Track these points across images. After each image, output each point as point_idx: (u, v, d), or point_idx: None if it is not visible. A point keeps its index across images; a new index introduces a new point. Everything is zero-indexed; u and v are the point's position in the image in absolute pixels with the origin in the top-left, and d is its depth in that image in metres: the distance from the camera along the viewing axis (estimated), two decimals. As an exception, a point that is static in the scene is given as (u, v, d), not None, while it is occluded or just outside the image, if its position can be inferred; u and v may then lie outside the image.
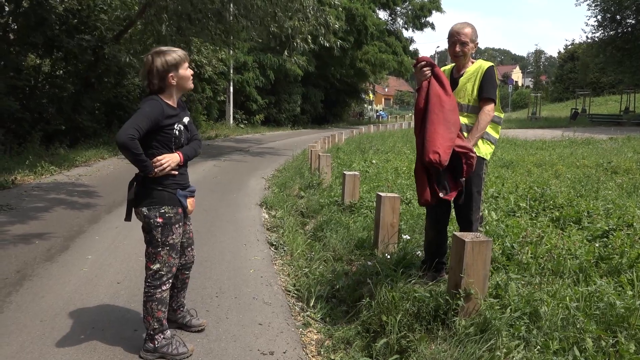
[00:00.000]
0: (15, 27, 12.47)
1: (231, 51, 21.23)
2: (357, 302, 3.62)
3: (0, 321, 3.37)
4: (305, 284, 4.14)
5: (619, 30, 33.70)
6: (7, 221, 6.00)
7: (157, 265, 2.91)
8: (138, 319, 3.42)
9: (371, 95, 51.90)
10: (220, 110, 26.27)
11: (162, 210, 2.86)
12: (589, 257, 3.78)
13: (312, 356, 3.13)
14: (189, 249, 3.21)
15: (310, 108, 33.40)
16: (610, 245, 4.10)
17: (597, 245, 4.16)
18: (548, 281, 3.38)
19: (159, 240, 2.88)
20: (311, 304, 3.86)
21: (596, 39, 35.51)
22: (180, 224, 2.96)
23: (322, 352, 3.16)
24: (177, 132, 2.88)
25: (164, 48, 2.88)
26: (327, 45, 14.39)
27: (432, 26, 37.21)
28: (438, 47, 61.87)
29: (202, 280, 4.19)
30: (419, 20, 36.25)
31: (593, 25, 36.14)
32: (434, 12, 36.24)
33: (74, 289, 3.97)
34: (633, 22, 33.15)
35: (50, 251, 4.93)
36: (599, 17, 34.24)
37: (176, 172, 2.90)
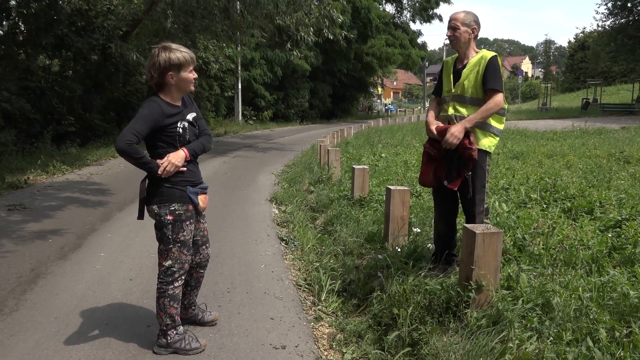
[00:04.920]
0: (24, 28, 12.57)
1: (239, 47, 21.27)
2: (368, 295, 3.62)
3: (16, 319, 3.42)
4: (316, 278, 4.14)
5: (630, 18, 33.19)
6: (21, 220, 6.07)
7: (169, 262, 2.92)
8: (151, 315, 3.45)
9: (379, 89, 51.71)
10: (228, 107, 26.34)
11: (172, 208, 2.86)
12: (601, 247, 3.74)
13: (324, 350, 3.13)
14: (204, 247, 3.21)
15: (318, 103, 33.36)
16: (623, 235, 4.06)
17: (609, 235, 4.11)
18: (560, 272, 3.36)
19: (170, 237, 2.89)
20: (322, 298, 3.87)
21: (607, 27, 35.01)
22: (192, 220, 2.96)
23: (334, 346, 3.17)
24: (180, 130, 2.85)
25: (172, 45, 2.82)
26: (332, 38, 14.37)
27: (440, 18, 36.92)
28: (446, 38, 61.21)
29: (214, 276, 4.21)
30: (426, 12, 35.95)
31: (603, 13, 35.69)
32: (441, 3, 35.94)
33: (87, 286, 4.01)
34: (644, 9, 32.66)
35: (64, 249, 4.98)
36: (609, 4, 33.77)
37: (184, 169, 2.89)
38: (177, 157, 2.82)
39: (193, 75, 2.88)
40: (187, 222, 2.92)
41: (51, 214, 6.44)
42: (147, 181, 2.90)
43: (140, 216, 2.97)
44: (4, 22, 12.17)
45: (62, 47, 13.28)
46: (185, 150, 2.87)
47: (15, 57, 12.22)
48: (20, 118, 11.65)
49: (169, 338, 2.96)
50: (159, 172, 2.79)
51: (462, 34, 3.46)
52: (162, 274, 2.95)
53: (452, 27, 3.50)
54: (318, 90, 32.65)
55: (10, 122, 11.39)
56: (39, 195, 7.63)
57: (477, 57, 3.47)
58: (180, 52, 2.80)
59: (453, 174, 3.44)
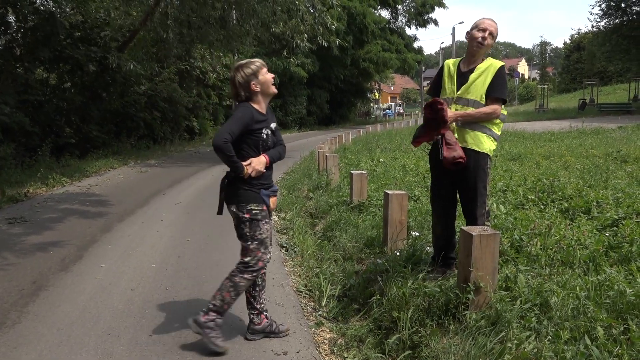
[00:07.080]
0: (22, 42, 12.64)
1: (235, 56, 21.35)
2: (368, 299, 3.64)
3: (19, 331, 3.44)
4: (316, 284, 4.17)
5: (625, 18, 33.38)
6: (21, 233, 6.09)
7: (248, 258, 3.12)
8: (153, 324, 3.48)
9: (377, 94, 51.89)
10: (226, 116, 26.39)
11: (249, 208, 3.08)
12: (598, 246, 3.76)
13: (326, 355, 3.15)
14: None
15: (316, 110, 33.47)
16: (620, 234, 4.09)
17: (606, 234, 4.14)
18: (558, 272, 3.39)
19: (248, 234, 3.10)
20: (323, 303, 3.89)
21: (601, 27, 35.20)
22: (267, 220, 3.17)
23: (335, 351, 3.19)
24: (264, 136, 3.08)
25: (242, 62, 3.10)
26: (326, 44, 14.48)
27: (435, 22, 37.19)
28: (442, 42, 61.58)
29: (215, 284, 4.19)
30: (421, 17, 36.19)
31: (597, 14, 35.84)
32: (436, 7, 36.17)
33: (88, 297, 4.03)
34: (638, 9, 32.82)
35: (65, 261, 5.00)
36: (603, 5, 33.97)
37: (264, 170, 3.09)
38: (259, 163, 3.07)
39: (270, 75, 3.13)
40: (263, 222, 3.14)
41: (52, 226, 6.46)
42: (226, 181, 3.12)
43: (220, 212, 3.22)
44: (1, 37, 12.24)
45: (60, 59, 13.35)
46: (267, 156, 3.11)
47: (13, 71, 12.28)
48: (19, 131, 11.70)
49: (206, 319, 3.06)
50: (243, 174, 3.00)
51: (489, 43, 3.56)
52: (240, 264, 3.14)
53: (489, 34, 3.52)
54: (315, 97, 32.76)
55: (9, 136, 11.43)
56: (39, 207, 7.66)
57: (486, 64, 3.56)
58: (250, 63, 3.08)
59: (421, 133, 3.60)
